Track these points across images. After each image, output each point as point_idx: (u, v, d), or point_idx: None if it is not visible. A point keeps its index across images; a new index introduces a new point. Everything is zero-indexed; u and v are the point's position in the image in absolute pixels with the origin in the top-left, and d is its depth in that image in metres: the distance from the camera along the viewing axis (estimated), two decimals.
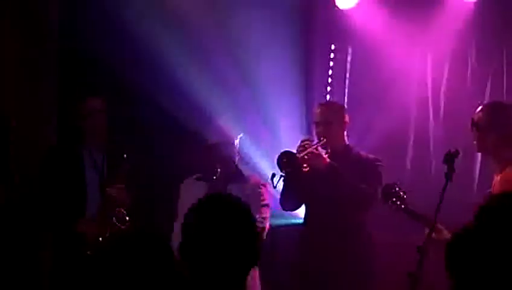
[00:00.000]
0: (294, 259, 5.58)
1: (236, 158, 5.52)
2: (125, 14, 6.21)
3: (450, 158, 4.19)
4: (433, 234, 4.33)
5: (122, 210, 5.18)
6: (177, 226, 5.20)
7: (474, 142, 4.56)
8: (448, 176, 4.13)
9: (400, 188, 4.62)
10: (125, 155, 5.17)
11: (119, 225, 5.12)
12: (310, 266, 5.32)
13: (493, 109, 4.72)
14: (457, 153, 4.22)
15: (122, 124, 5.72)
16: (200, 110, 5.99)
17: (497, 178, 4.50)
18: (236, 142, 5.48)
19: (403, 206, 4.56)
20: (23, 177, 5.33)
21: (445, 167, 4.18)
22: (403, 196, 4.57)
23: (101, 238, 5.11)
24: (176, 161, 6.15)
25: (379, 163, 5.28)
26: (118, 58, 6.22)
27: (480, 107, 4.66)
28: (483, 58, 6.52)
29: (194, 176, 5.55)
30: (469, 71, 6.55)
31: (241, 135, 5.60)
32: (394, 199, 4.57)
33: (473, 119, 4.56)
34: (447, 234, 4.33)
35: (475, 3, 6.25)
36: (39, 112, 6.20)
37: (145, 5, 6.36)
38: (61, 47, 6.35)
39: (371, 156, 5.37)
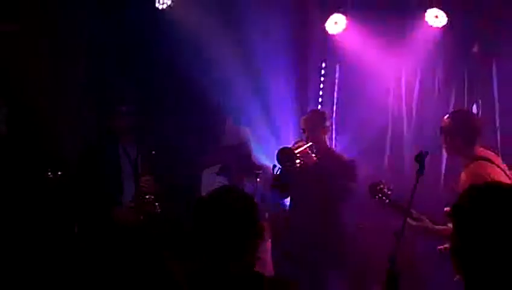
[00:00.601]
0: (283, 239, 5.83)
1: (248, 155, 5.81)
2: (147, 32, 6.44)
3: (420, 158, 4.24)
4: (409, 220, 4.45)
5: (152, 197, 5.37)
6: None
7: (444, 145, 4.77)
8: (420, 172, 4.20)
9: (384, 186, 4.73)
10: (153, 152, 5.38)
11: (150, 210, 5.31)
12: (295, 240, 5.57)
13: (458, 116, 4.88)
14: (426, 153, 4.28)
15: (153, 126, 5.96)
16: (219, 115, 6.20)
17: (462, 174, 4.61)
18: (249, 142, 5.79)
19: (387, 201, 4.70)
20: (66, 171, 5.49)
21: (417, 165, 4.23)
22: (387, 192, 4.70)
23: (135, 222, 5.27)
24: (196, 157, 6.21)
25: (353, 162, 5.64)
26: (146, 70, 6.44)
27: (447, 116, 4.83)
28: (448, 75, 6.89)
29: (213, 170, 5.75)
30: (436, 86, 6.94)
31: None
32: (380, 195, 4.72)
33: (441, 126, 4.75)
34: (428, 223, 4.58)
35: (441, 29, 6.59)
36: (78, 116, 6.49)
37: (163, 24, 6.53)
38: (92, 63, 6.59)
39: (346, 157, 5.71)
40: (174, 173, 5.97)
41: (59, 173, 5.29)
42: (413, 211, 4.61)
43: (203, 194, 5.52)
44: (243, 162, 5.70)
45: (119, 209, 5.28)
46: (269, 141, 6.61)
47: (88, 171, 5.32)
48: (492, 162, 4.66)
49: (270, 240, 5.66)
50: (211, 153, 6.03)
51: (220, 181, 5.62)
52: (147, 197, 5.35)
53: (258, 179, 5.49)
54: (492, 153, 4.75)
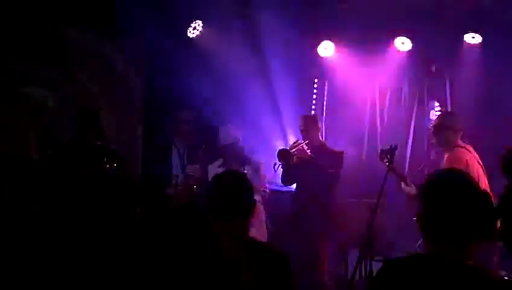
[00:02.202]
0: (290, 211, 6.01)
1: (241, 150, 5.93)
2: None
3: (391, 151, 4.75)
4: (402, 185, 4.89)
5: (194, 184, 5.87)
6: None
7: (434, 138, 5.06)
8: (390, 162, 4.72)
9: (392, 154, 4.77)
10: (203, 146, 5.96)
11: (190, 191, 5.81)
12: (298, 216, 5.80)
13: (444, 115, 5.37)
14: (395, 147, 4.80)
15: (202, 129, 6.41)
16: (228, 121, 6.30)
17: (446, 156, 4.89)
18: (240, 139, 5.90)
19: (390, 165, 4.77)
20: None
21: (387, 156, 4.78)
22: (391, 159, 4.78)
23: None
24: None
25: (342, 154, 5.85)
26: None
27: (436, 116, 5.35)
28: (412, 88, 7.32)
29: (216, 164, 5.99)
30: (403, 96, 7.37)
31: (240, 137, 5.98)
32: (386, 160, 4.80)
33: (434, 125, 5.08)
34: (413, 190, 4.82)
35: (406, 53, 7.00)
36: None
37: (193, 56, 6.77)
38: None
39: (336, 149, 5.96)
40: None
41: (114, 165, 5.42)
42: (408, 179, 4.91)
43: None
44: (238, 156, 5.89)
45: (169, 189, 5.76)
46: (277, 139, 6.96)
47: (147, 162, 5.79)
48: (469, 151, 4.93)
49: (264, 213, 5.75)
50: (214, 151, 6.18)
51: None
52: (191, 182, 5.83)
53: (245, 170, 5.61)
54: (468, 145, 5.01)
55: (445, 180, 2.30)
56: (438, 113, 6.82)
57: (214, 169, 5.90)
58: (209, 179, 5.46)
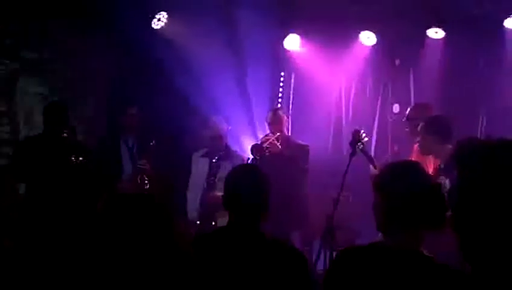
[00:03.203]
0: None
1: (225, 143, 5.97)
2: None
3: (354, 143, 4.87)
4: (371, 168, 4.95)
5: (145, 176, 5.85)
6: (190, 196, 5.85)
7: (407, 129, 5.23)
8: (352, 154, 4.81)
9: (362, 135, 4.87)
10: (153, 142, 5.89)
11: (143, 186, 5.77)
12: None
13: (417, 107, 5.45)
14: (362, 131, 4.90)
15: (153, 123, 6.32)
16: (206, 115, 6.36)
17: (415, 146, 5.01)
18: (225, 132, 5.98)
19: (361, 147, 4.87)
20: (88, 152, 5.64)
21: (351, 148, 4.87)
22: (363, 141, 4.88)
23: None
24: (188, 145, 6.49)
25: (307, 147, 5.96)
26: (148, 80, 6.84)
27: (409, 108, 5.39)
28: (376, 82, 7.42)
29: (200, 153, 5.97)
30: (367, 90, 7.47)
31: (229, 128, 6.16)
32: (358, 143, 4.87)
33: (407, 115, 5.26)
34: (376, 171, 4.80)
35: (371, 48, 7.07)
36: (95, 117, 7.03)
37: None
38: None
39: (302, 142, 6.00)
40: (170, 158, 6.25)
41: (80, 158, 5.44)
42: (375, 163, 4.97)
43: (192, 170, 5.92)
44: (223, 148, 5.95)
45: (120, 183, 5.76)
46: (246, 133, 6.97)
47: (99, 155, 5.79)
48: None
49: None
50: (199, 141, 6.27)
51: (204, 162, 5.89)
52: (141, 176, 5.81)
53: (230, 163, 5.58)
54: None
55: (397, 171, 2.37)
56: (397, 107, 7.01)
57: (197, 158, 5.97)
58: (194, 167, 5.86)
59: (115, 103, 6.66)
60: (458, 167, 1.36)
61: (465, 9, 6.48)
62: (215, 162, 5.83)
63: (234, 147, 6.19)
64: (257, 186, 2.80)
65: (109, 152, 5.95)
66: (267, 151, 5.72)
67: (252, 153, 5.67)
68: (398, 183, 2.29)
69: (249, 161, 5.63)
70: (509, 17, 6.43)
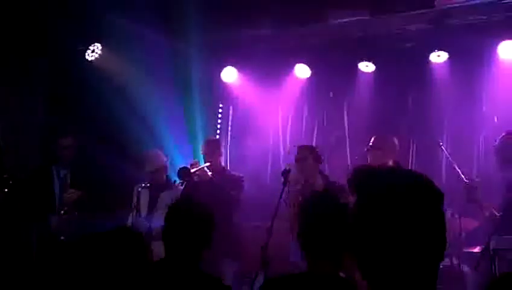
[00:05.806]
0: None
1: (165, 175, 5.95)
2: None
3: (285, 173, 5.03)
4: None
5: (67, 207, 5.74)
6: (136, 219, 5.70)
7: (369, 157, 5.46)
8: (284, 183, 4.97)
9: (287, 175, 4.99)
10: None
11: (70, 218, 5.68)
12: None
13: (380, 138, 5.66)
14: (289, 170, 5.06)
15: (86, 153, 6.18)
16: (143, 145, 6.34)
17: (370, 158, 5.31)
18: (167, 165, 5.99)
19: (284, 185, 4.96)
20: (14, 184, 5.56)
21: (282, 178, 4.99)
22: (286, 180, 5.00)
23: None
24: (124, 176, 6.27)
25: (242, 179, 5.89)
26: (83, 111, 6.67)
27: (373, 138, 5.59)
28: (312, 112, 7.53)
29: (142, 185, 5.90)
30: (303, 122, 7.55)
31: (168, 159, 6.09)
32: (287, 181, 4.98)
33: (370, 144, 5.52)
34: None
35: (306, 80, 7.17)
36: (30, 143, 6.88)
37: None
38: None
39: (237, 174, 5.94)
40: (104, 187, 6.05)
41: (5, 190, 5.41)
42: None
43: (134, 202, 5.81)
44: (159, 180, 5.92)
45: (52, 217, 5.67)
46: (178, 161, 6.69)
47: (30, 185, 5.74)
48: None
49: None
50: (139, 175, 6.12)
51: (144, 193, 5.85)
52: (66, 206, 5.73)
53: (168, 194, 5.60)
54: None
55: (315, 202, 2.50)
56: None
57: (137, 191, 5.90)
58: (134, 199, 5.74)
59: (47, 134, 6.58)
60: (357, 195, 1.41)
61: (393, 44, 6.69)
62: (155, 193, 5.81)
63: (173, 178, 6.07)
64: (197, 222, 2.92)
65: (40, 184, 5.86)
66: (195, 176, 5.66)
67: (178, 176, 5.64)
68: (315, 213, 2.41)
69: (176, 184, 5.68)
70: (433, 52, 6.62)
